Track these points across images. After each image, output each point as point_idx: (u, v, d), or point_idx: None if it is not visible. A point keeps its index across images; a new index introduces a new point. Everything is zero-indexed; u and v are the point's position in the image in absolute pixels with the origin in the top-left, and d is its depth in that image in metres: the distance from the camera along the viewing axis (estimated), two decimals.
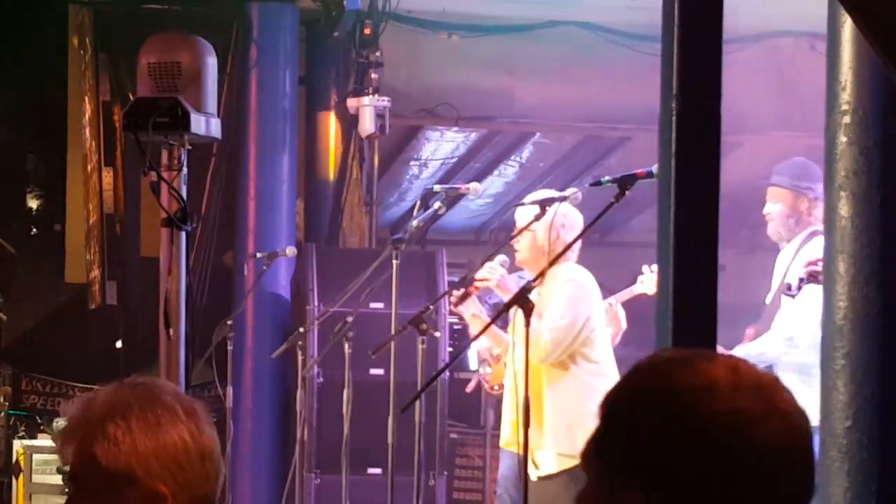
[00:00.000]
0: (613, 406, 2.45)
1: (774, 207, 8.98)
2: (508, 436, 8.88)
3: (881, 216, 5.15)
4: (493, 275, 9.20)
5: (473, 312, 9.29)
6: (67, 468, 3.49)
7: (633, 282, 9.23)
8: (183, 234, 9.02)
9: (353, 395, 10.45)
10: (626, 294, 9.13)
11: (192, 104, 8.56)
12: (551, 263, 8.26)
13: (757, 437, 2.27)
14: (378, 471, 10.22)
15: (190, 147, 8.91)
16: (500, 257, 9.41)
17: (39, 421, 18.78)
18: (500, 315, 8.61)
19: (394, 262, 9.63)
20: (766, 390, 2.31)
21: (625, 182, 7.36)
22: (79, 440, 3.43)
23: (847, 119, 5.19)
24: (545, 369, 8.50)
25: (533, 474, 8.53)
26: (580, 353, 8.68)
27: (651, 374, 2.42)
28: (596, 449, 2.39)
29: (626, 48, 11.57)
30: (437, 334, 10.84)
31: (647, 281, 9.01)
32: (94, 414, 3.42)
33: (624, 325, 9.45)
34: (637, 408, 2.37)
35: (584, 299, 8.79)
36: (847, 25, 5.02)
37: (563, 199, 8.57)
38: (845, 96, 5.18)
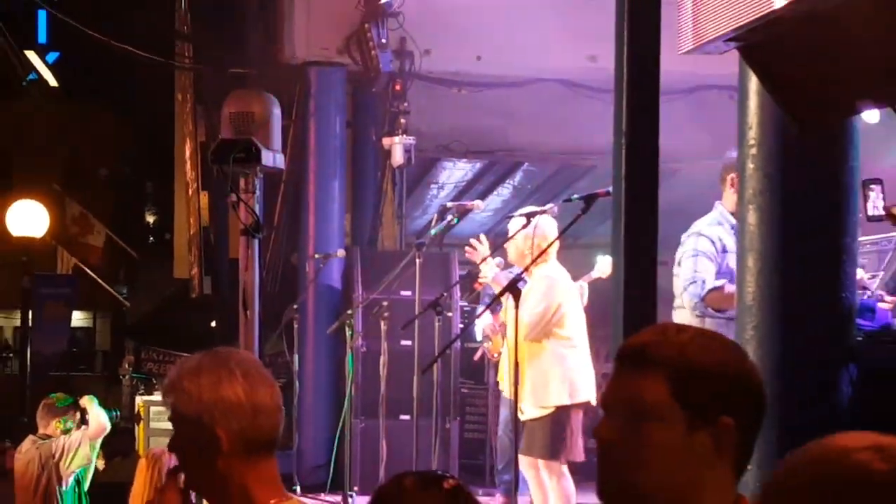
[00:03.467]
0: None
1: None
2: (504, 389, 8.99)
3: (779, 224, 5.18)
4: (489, 272, 9.30)
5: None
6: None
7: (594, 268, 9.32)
8: (256, 241, 9.06)
9: (387, 360, 10.50)
10: (587, 278, 9.17)
11: (262, 143, 8.60)
12: (532, 262, 8.32)
13: None
14: (407, 417, 10.18)
15: (261, 175, 8.96)
16: (497, 260, 9.49)
17: (154, 382, 18.74)
18: (495, 300, 8.67)
19: (417, 260, 9.72)
20: None
21: (589, 199, 7.35)
22: (170, 393, 3.51)
23: (754, 151, 5.19)
24: (527, 344, 8.52)
25: (520, 418, 8.58)
26: (552, 332, 8.72)
27: None
28: None
29: (591, 98, 11.57)
30: (450, 314, 10.91)
31: (600, 265, 9.10)
32: (179, 373, 3.47)
33: (585, 300, 9.52)
34: None
35: (555, 291, 8.83)
36: (753, 81, 5.02)
37: (544, 212, 8.60)
38: (752, 134, 5.18)
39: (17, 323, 34.66)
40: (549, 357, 8.60)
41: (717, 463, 2.31)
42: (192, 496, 3.62)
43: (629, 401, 2.34)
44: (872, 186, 5.97)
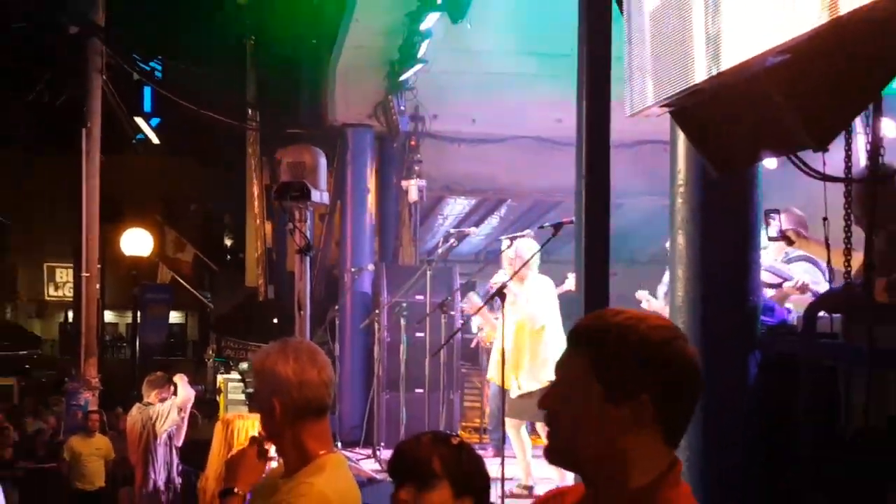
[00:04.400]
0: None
1: None
2: (493, 374, 8.83)
3: (701, 246, 5.14)
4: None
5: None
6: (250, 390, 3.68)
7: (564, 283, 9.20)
8: (307, 258, 9.05)
9: (406, 347, 10.49)
10: (560, 289, 9.07)
11: (311, 185, 8.60)
12: (514, 273, 8.27)
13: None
14: (421, 390, 10.16)
15: (311, 209, 8.96)
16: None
17: (231, 364, 18.69)
18: (487, 301, 8.64)
19: (428, 272, 9.72)
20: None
21: (557, 226, 7.33)
22: (251, 373, 3.54)
23: (682, 189, 5.15)
24: (531, 332, 8.49)
25: (514, 393, 8.50)
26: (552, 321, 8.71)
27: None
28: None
29: (558, 150, 11.53)
30: (453, 313, 10.85)
31: (569, 282, 8.99)
32: (256, 358, 3.56)
33: None
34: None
35: (553, 290, 8.81)
36: (681, 135, 4.99)
37: (523, 236, 8.57)
38: (681, 176, 5.14)
39: (129, 320, 34.79)
40: (547, 342, 8.49)
41: (640, 433, 2.12)
42: (271, 452, 3.65)
43: (562, 375, 2.21)
44: (773, 215, 6.00)
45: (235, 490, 3.55)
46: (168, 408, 11.08)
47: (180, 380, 11.40)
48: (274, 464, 3.71)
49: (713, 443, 4.98)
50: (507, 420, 8.56)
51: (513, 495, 8.42)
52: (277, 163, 9.25)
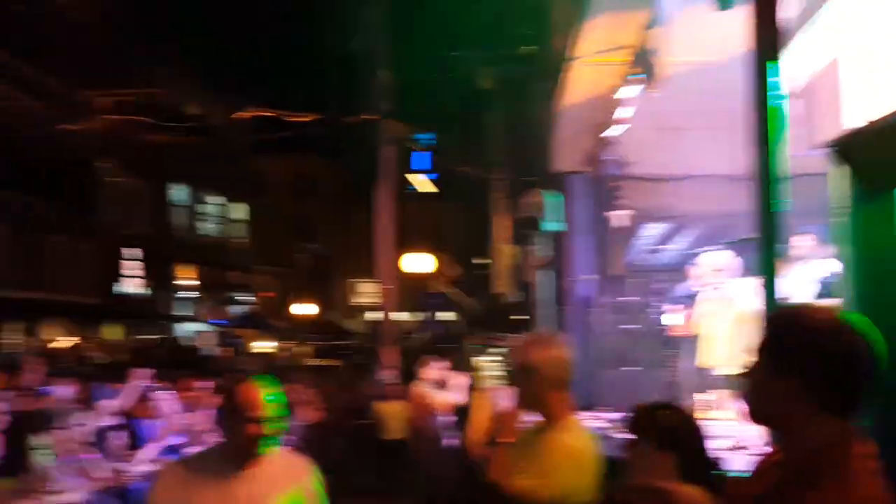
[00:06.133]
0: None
1: None
2: (699, 356, 8.39)
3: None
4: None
5: None
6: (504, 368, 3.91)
7: None
8: (543, 272, 8.97)
9: (618, 336, 10.17)
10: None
11: (543, 218, 8.53)
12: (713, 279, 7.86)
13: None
14: (631, 368, 9.82)
15: (544, 234, 8.88)
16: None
17: (484, 349, 18.66)
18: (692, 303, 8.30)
19: (631, 280, 9.43)
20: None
21: (745, 240, 7.07)
22: (513, 355, 3.66)
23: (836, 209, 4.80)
24: (735, 321, 7.94)
25: (718, 371, 8.04)
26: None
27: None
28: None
29: (733, 183, 11.03)
30: (650, 310, 10.48)
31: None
32: (516, 345, 3.68)
33: None
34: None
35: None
36: (835, 169, 4.63)
37: (713, 249, 8.27)
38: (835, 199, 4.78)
39: (415, 318, 35.90)
40: (747, 332, 7.99)
41: (800, 404, 1.99)
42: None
43: (753, 354, 2.11)
44: None
45: (502, 441, 3.55)
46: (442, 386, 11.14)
47: (445, 370, 11.40)
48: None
49: None
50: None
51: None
52: (520, 203, 9.26)
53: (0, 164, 20.65)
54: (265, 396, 3.45)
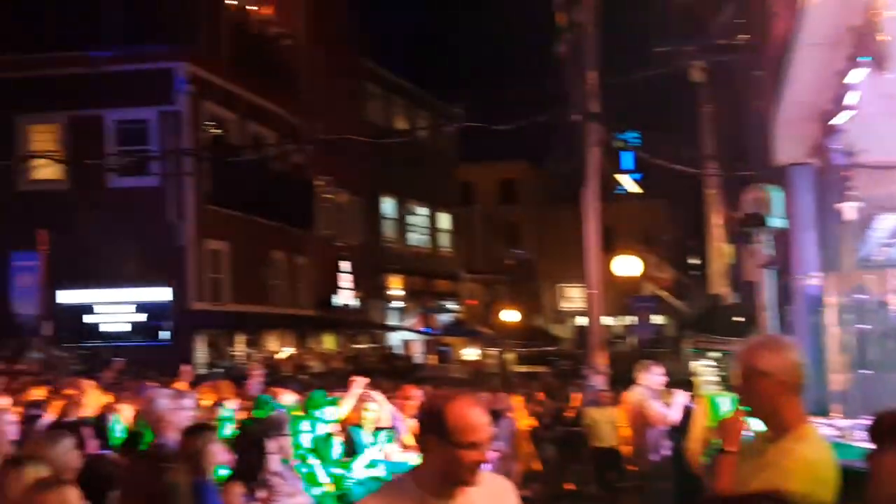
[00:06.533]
0: None
1: None
2: None
3: None
4: None
5: None
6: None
7: None
8: (765, 271, 8.52)
9: (852, 338, 9.44)
10: None
11: (765, 214, 8.12)
12: None
13: None
14: (870, 371, 9.04)
15: (768, 232, 8.42)
16: None
17: (703, 353, 17.90)
18: None
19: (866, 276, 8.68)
20: None
21: None
22: (739, 360, 3.39)
23: None
24: None
25: None
26: None
27: None
28: None
29: None
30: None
31: None
32: (742, 349, 3.41)
33: None
34: None
35: None
36: None
37: None
38: None
39: (624, 323, 35.32)
40: None
41: None
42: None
43: None
44: None
45: (727, 449, 3.35)
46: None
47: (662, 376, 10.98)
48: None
49: None
50: None
51: None
52: (740, 200, 8.78)
53: (224, 185, 22.05)
54: (478, 416, 2.97)
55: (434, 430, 2.94)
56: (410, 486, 3.00)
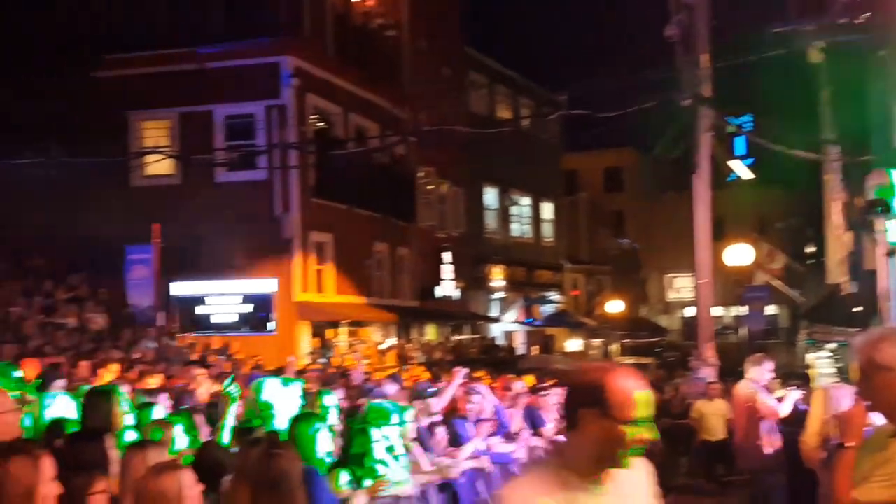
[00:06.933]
0: None
1: None
2: None
3: None
4: None
5: None
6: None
7: None
8: (891, 258, 8.09)
9: None
10: None
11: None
12: None
13: None
14: None
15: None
16: None
17: (817, 345, 17.19)
18: None
19: None
20: None
21: None
22: (858, 353, 3.20)
23: None
24: None
25: None
26: None
27: None
28: None
29: None
30: None
31: None
32: (862, 342, 3.22)
33: None
34: None
35: None
36: None
37: None
38: None
39: (734, 313, 34.50)
40: None
41: None
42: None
43: None
44: None
45: (847, 444, 3.21)
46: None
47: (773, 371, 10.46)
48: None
49: None
50: None
51: None
52: (863, 185, 8.35)
53: (328, 177, 22.31)
54: (643, 390, 2.70)
55: (592, 403, 2.67)
56: (555, 467, 2.75)
